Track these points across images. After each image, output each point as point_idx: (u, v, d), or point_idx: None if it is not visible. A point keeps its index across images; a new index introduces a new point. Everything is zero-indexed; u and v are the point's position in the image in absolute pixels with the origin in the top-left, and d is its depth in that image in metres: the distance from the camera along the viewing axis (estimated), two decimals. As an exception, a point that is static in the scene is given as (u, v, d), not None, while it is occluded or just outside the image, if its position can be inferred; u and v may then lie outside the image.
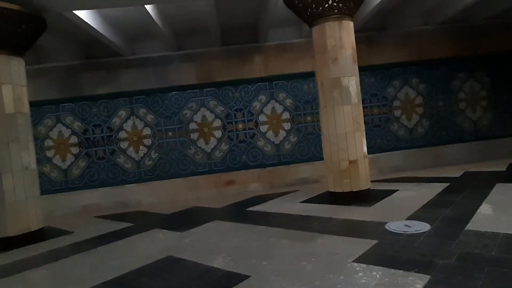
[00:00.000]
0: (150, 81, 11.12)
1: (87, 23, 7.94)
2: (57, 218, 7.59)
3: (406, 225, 4.38)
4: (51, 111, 10.80)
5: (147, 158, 10.71)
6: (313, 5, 5.94)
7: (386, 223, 4.55)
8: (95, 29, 8.34)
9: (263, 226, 5.06)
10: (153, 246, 4.76)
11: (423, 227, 4.27)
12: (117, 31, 9.76)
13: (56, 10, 6.30)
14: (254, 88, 11.63)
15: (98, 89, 10.84)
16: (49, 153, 10.70)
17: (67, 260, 4.57)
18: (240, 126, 11.44)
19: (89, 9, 7.88)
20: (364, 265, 3.27)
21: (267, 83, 11.73)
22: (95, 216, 7.22)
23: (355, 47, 6.19)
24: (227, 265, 3.68)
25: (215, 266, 3.69)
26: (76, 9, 6.99)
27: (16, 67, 5.80)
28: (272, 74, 11.62)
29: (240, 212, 6.28)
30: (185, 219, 6.19)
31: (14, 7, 5.48)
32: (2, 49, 5.57)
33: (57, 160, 10.74)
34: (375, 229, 4.37)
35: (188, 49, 11.41)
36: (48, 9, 6.02)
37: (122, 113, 10.78)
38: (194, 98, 11.11)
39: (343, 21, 6.02)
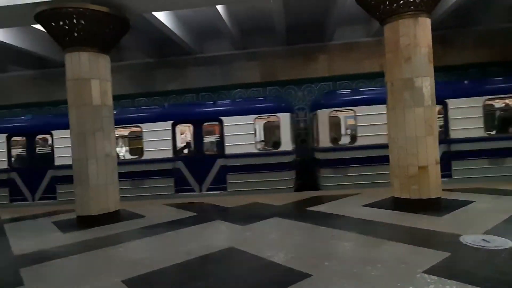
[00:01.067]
0: (216, 78, 11.59)
1: (163, 23, 8.50)
2: (132, 203, 8.26)
3: (484, 240, 4.02)
4: (127, 104, 11.77)
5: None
6: (387, 2, 5.69)
7: (460, 235, 4.22)
8: (169, 28, 8.90)
9: (324, 227, 5.00)
10: (216, 236, 4.97)
11: (504, 243, 3.89)
12: (188, 30, 10.31)
13: (138, 11, 6.84)
14: (317, 87, 11.51)
15: (168, 85, 11.58)
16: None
17: (140, 241, 4.98)
18: (302, 125, 11.40)
19: (167, 10, 8.42)
20: (436, 278, 3.08)
21: (330, 83, 11.53)
22: (163, 204, 7.72)
23: (431, 46, 5.81)
24: (288, 261, 3.72)
25: (275, 261, 3.75)
26: (156, 11, 7.52)
27: (103, 63, 6.43)
28: (336, 74, 11.39)
29: (300, 211, 6.28)
30: (245, 214, 6.36)
31: (104, 9, 6.07)
32: (93, 47, 6.21)
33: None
34: (448, 241, 4.08)
35: (253, 48, 11.65)
36: (131, 11, 6.56)
37: (189, 108, 11.38)
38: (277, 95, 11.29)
39: (419, 18, 5.68)
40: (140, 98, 11.64)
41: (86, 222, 6.13)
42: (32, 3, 5.95)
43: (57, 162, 9.22)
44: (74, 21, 5.91)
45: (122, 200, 6.84)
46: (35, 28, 8.61)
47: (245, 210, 6.67)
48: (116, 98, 11.31)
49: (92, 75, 6.23)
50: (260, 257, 3.91)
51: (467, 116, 8.19)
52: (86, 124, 6.20)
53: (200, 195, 8.89)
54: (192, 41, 10.62)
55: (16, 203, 9.39)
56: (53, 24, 6.01)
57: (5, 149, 9.48)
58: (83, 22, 5.94)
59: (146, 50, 11.01)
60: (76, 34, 6.01)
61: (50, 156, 9.41)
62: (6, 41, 8.89)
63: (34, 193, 9.46)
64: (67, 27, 5.95)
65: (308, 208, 6.34)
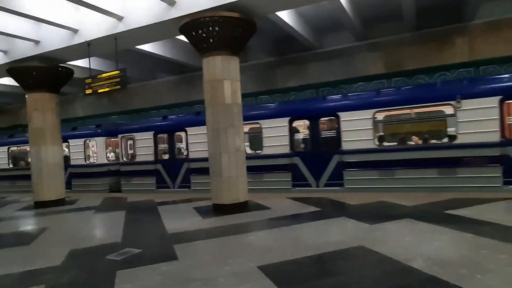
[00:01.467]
0: (336, 72, 11.32)
1: (285, 21, 8.70)
2: (255, 194, 8.81)
3: None
4: (251, 102, 12.51)
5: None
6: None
7: None
8: (291, 26, 9.06)
9: (470, 234, 4.36)
10: (344, 233, 4.86)
11: None
12: (308, 26, 10.32)
13: (264, 12, 7.17)
14: (454, 75, 10.14)
15: (288, 82, 11.85)
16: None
17: (269, 231, 5.25)
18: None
19: (291, 9, 8.61)
20: None
21: (471, 68, 10.01)
22: (285, 197, 7.98)
23: None
24: (429, 268, 3.37)
25: (414, 266, 3.44)
26: (280, 10, 7.76)
27: (233, 65, 6.99)
28: (479, 58, 9.81)
29: (437, 213, 5.63)
30: (372, 212, 6.05)
31: (235, 14, 6.58)
32: (225, 51, 6.81)
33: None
34: None
35: (376, 38, 10.95)
36: (258, 13, 6.93)
37: (310, 103, 11.43)
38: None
39: None
40: (262, 96, 12.25)
41: (220, 210, 6.80)
42: (177, 17, 6.87)
43: (191, 155, 10.46)
44: (210, 28, 6.58)
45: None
46: (177, 39, 9.90)
47: (371, 209, 6.35)
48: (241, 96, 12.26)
49: (224, 76, 6.84)
50: (395, 260, 3.65)
51: (358, 128, 8.32)
52: (219, 121, 6.85)
53: (316, 191, 8.86)
54: (312, 36, 10.62)
55: (161, 189, 11.08)
56: (194, 33, 6.81)
57: (152, 144, 11.26)
58: (217, 28, 6.56)
59: (268, 50, 11.52)
60: (211, 40, 6.68)
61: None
62: (155, 52, 10.50)
63: (174, 181, 10.98)
64: (204, 35, 6.66)
65: (447, 212, 5.63)
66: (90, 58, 8.87)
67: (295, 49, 11.39)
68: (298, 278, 3.37)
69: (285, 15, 8.80)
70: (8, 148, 14.47)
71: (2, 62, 9.53)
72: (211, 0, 6.48)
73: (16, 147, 14.42)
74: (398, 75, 10.70)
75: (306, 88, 11.55)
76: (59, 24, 7.97)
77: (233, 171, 6.88)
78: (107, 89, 8.35)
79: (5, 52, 9.44)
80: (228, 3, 6.39)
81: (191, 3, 6.68)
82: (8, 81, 11.35)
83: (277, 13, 8.29)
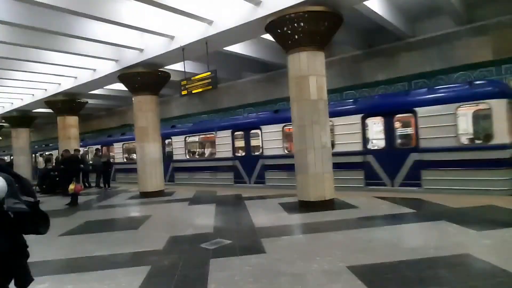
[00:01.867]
0: (432, 62, 10.30)
1: (374, 11, 8.21)
2: (342, 192, 8.55)
3: None
4: (336, 98, 12.15)
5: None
6: None
7: None
8: (380, 15, 8.51)
9: None
10: (445, 239, 4.40)
11: None
12: (400, 13, 9.57)
13: (351, 3, 6.88)
14: None
15: (377, 75, 11.18)
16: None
17: (358, 231, 5.03)
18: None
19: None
20: None
21: None
22: (374, 196, 7.56)
23: None
24: (558, 286, 2.85)
25: (538, 282, 2.95)
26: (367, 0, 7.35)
27: (319, 60, 6.87)
28: None
29: None
30: (478, 217, 5.36)
31: (321, 8, 6.44)
32: (310, 46, 6.72)
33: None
34: None
35: (482, 20, 9.64)
36: (344, 4, 6.67)
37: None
38: (488, 78, 9.29)
39: None
40: (348, 91, 11.79)
41: (306, 206, 6.76)
42: (263, 16, 7.00)
43: (265, 152, 10.92)
44: (295, 24, 6.56)
45: (336, 189, 7.14)
46: (262, 38, 10.11)
47: (477, 213, 5.62)
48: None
49: (310, 72, 6.77)
50: (510, 272, 3.18)
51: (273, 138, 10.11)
52: (305, 117, 6.80)
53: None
54: (404, 25, 9.83)
55: (237, 184, 11.70)
56: (279, 31, 6.87)
57: (230, 142, 11.98)
58: (302, 24, 6.51)
59: (354, 43, 11.02)
60: (297, 37, 6.66)
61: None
62: (241, 52, 10.88)
63: (250, 177, 11.52)
64: (289, 32, 6.67)
65: None
66: (184, 61, 9.62)
67: (384, 40, 10.68)
68: (393, 283, 3.17)
69: (375, 4, 8.29)
70: (123, 145, 16.64)
71: (114, 70, 10.94)
72: (296, -4, 6.46)
73: (128, 144, 16.46)
74: (511, 61, 9.26)
75: (397, 81, 10.74)
76: (158, 33, 8.81)
77: (319, 168, 6.77)
78: (200, 90, 8.98)
79: (116, 61, 10.81)
80: (313, -3, 6.29)
81: (276, 1, 6.74)
82: (118, 86, 12.96)
83: (365, 2, 7.86)
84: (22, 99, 16.52)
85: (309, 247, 4.43)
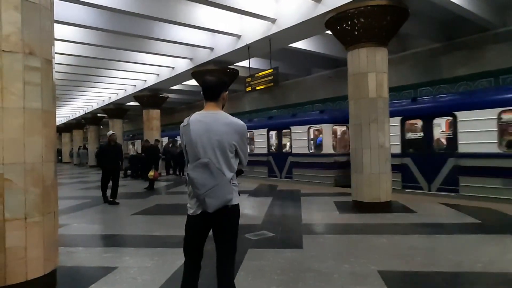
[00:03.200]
0: (527, 55, 8.97)
1: (451, 2, 7.50)
2: (405, 196, 8.07)
3: None
4: (409, 95, 11.38)
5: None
6: None
7: None
8: (459, 6, 7.74)
9: None
10: (502, 254, 3.97)
11: None
12: (485, 3, 8.53)
13: (419, -5, 6.42)
14: None
15: (457, 70, 10.16)
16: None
17: (407, 237, 4.79)
18: None
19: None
20: None
21: None
22: (440, 202, 7.00)
23: None
24: None
25: None
26: (439, -11, 6.77)
27: (380, 56, 6.58)
28: None
29: None
30: (558, 235, 4.66)
31: (383, 2, 6.16)
32: (370, 42, 6.48)
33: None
34: None
35: None
36: (410, -2, 6.26)
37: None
38: None
39: None
40: (423, 88, 10.93)
41: (359, 207, 6.61)
42: (323, 13, 6.96)
43: (293, 151, 11.88)
44: (355, 20, 6.39)
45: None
46: (329, 34, 9.97)
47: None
48: (397, 89, 11.31)
49: (369, 69, 6.53)
50: None
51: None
52: (362, 115, 6.61)
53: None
54: (490, 14, 8.72)
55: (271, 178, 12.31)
56: (338, 27, 6.76)
57: (265, 139, 13.24)
58: (362, 20, 6.31)
59: (430, 36, 10.15)
60: (356, 33, 6.48)
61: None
62: (308, 49, 10.85)
63: (281, 172, 12.51)
64: (348, 28, 6.52)
65: None
66: (250, 59, 9.99)
67: (466, 31, 9.60)
68: (420, 292, 3.04)
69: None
70: None
71: (189, 68, 11.89)
72: (357, -9, 6.29)
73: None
74: None
75: (482, 77, 9.60)
76: (227, 32, 9.33)
77: (375, 168, 6.53)
78: (263, 86, 9.30)
79: (191, 59, 11.73)
80: (375, -9, 6.05)
81: (337, -4, 6.64)
82: (194, 81, 14.01)
83: (441, -8, 7.22)
84: (117, 93, 18.90)
85: (347, 247, 4.39)
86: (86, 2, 7.34)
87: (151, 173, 10.45)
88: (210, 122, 2.22)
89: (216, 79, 2.38)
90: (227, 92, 2.44)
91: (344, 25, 6.58)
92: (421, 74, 10.91)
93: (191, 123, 2.25)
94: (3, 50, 2.97)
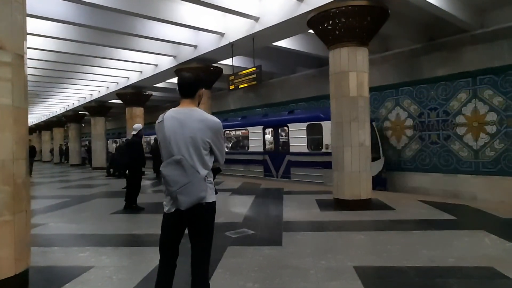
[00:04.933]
0: (502, 56, 9.25)
1: (430, 4, 7.65)
2: (384, 193, 8.22)
3: None
4: (391, 94, 11.59)
5: (488, 148, 9.19)
6: None
7: None
8: (438, 8, 7.90)
9: None
10: (473, 249, 4.09)
11: None
12: (463, 5, 8.73)
13: (399, -4, 6.52)
14: None
15: (437, 71, 10.38)
16: (387, 134, 11.64)
17: (383, 233, 4.89)
18: None
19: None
20: None
21: None
22: (418, 200, 7.16)
23: None
24: None
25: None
26: (418, -9, 6.90)
27: (360, 56, 6.66)
28: None
29: None
30: (528, 230, 4.83)
31: (363, 2, 6.24)
32: (351, 41, 6.55)
33: (393, 141, 11.51)
34: None
35: None
36: (390, -1, 6.36)
37: (462, 95, 9.77)
38: None
39: None
40: (405, 87, 11.12)
41: (340, 205, 6.68)
42: (305, 12, 7.00)
43: (291, 149, 11.69)
44: (336, 20, 6.45)
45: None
46: (312, 32, 10.04)
47: (529, 226, 5.06)
48: (380, 88, 11.48)
49: (350, 68, 6.61)
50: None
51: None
52: (343, 114, 6.69)
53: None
54: (468, 15, 8.93)
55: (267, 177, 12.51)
56: (320, 26, 6.81)
57: (261, 137, 13.09)
58: (343, 19, 6.38)
59: (412, 36, 10.33)
60: (337, 32, 6.54)
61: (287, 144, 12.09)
62: (292, 48, 10.89)
63: (277, 171, 12.30)
64: (330, 27, 6.58)
65: None
66: (234, 57, 9.97)
67: (445, 33, 9.82)
68: (392, 287, 3.10)
69: (431, -4, 7.70)
70: None
71: (172, 65, 11.77)
72: (338, -9, 6.34)
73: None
74: None
75: (460, 77, 9.84)
76: (210, 30, 9.28)
77: (355, 166, 6.62)
78: (245, 85, 9.29)
79: (174, 56, 11.62)
80: (355, -9, 6.12)
81: (319, -4, 6.68)
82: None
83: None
84: (99, 91, 18.55)
85: (326, 244, 4.44)
86: (65, -3, 7.18)
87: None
88: (184, 118, 2.21)
89: (192, 76, 2.37)
90: (203, 89, 2.42)
91: (325, 25, 6.64)
92: (403, 74, 11.11)
93: (165, 120, 2.23)
94: (-29, 44, 2.88)
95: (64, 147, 28.48)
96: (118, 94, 16.24)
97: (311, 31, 8.53)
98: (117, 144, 16.35)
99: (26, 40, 3.43)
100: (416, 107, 10.83)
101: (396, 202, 6.97)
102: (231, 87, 9.67)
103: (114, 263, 3.89)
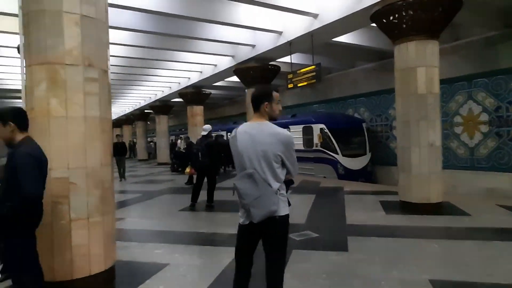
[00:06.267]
0: None
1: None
2: (458, 195, 7.67)
3: None
4: (462, 87, 10.71)
5: None
6: None
7: None
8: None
9: None
10: None
11: None
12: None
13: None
14: None
15: (518, 59, 9.31)
16: (457, 130, 10.79)
17: (460, 243, 4.54)
18: None
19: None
20: None
21: None
22: (497, 204, 6.54)
23: None
24: None
25: None
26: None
27: (430, 50, 6.22)
28: None
29: None
30: None
31: (434, -7, 5.80)
32: (420, 35, 6.14)
33: (464, 137, 10.65)
34: None
35: None
36: (466, -15, 5.84)
37: (549, 86, 8.65)
38: None
39: None
40: (479, 79, 10.17)
41: (407, 208, 6.35)
42: (368, 6, 6.71)
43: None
44: (403, 13, 6.08)
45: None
46: (373, 26, 9.59)
47: None
48: (449, 81, 10.64)
49: (418, 63, 6.22)
50: None
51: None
52: (410, 112, 6.33)
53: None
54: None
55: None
56: (384, 20, 6.49)
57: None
58: (411, 12, 6.00)
59: (485, 24, 9.37)
60: (404, 26, 6.18)
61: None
62: (352, 42, 10.52)
63: None
64: (396, 21, 6.23)
65: None
66: (292, 55, 9.91)
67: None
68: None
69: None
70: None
71: (231, 65, 12.05)
72: (405, -19, 5.97)
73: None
74: None
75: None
76: (268, 29, 9.32)
77: (424, 168, 6.24)
78: (305, 83, 9.20)
79: (232, 56, 11.88)
80: (425, -20, 5.70)
81: (384, -12, 6.36)
82: (236, 77, 14.22)
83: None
84: (162, 91, 19.66)
85: (395, 252, 4.26)
86: (135, 7, 7.68)
87: (187, 169, 10.75)
88: (256, 133, 2.27)
89: (257, 92, 2.42)
90: (268, 103, 2.36)
91: (391, 18, 6.29)
92: (476, 65, 10.15)
93: (238, 134, 2.31)
94: (66, 64, 3.22)
95: (132, 143, 30.72)
96: (180, 93, 17.07)
97: (373, 24, 8.18)
98: (182, 140, 17.05)
99: (109, 56, 3.76)
100: (492, 101, 9.85)
101: (471, 206, 6.44)
102: (290, 85, 9.65)
103: (186, 262, 4.13)
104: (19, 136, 2.54)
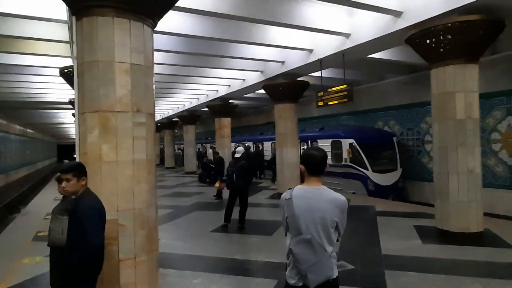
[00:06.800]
0: None
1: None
2: (497, 220, 7.35)
3: None
4: (501, 102, 10.32)
5: None
6: None
7: None
8: None
9: None
10: None
11: None
12: None
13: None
14: None
15: None
16: (495, 147, 10.38)
17: (506, 283, 4.37)
18: None
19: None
20: None
21: None
22: (542, 233, 6.24)
23: None
24: None
25: None
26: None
27: (469, 74, 6.05)
28: None
29: None
30: None
31: (474, 17, 5.64)
32: (458, 58, 5.98)
33: (503, 155, 10.22)
34: None
35: None
36: (507, 9, 5.64)
37: None
38: None
39: None
40: (519, 94, 9.74)
41: (444, 236, 6.17)
42: (403, 28, 6.60)
43: None
44: (441, 37, 5.95)
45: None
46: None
47: None
48: (487, 96, 10.26)
49: (456, 88, 6.06)
50: None
51: None
52: (448, 138, 6.17)
53: None
54: None
55: None
56: (421, 44, 6.36)
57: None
58: (449, 36, 5.86)
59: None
60: (442, 50, 6.04)
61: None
62: (383, 57, 10.36)
63: None
64: (433, 45, 6.10)
65: None
66: (322, 72, 9.86)
67: None
68: None
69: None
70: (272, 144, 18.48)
71: (259, 80, 12.16)
72: (442, 5, 5.82)
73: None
74: None
75: None
76: (298, 48, 9.34)
77: (463, 196, 6.05)
78: (335, 102, 9.14)
79: (261, 72, 11.98)
80: (464, 5, 5.54)
81: (420, 11, 6.21)
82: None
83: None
84: (191, 102, 20.06)
85: (437, 291, 4.16)
86: (168, 32, 7.89)
87: (217, 184, 10.88)
88: (313, 198, 2.30)
89: (321, 155, 2.37)
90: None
91: (428, 42, 6.17)
92: (516, 80, 9.73)
93: (294, 198, 2.33)
94: (117, 111, 3.40)
95: (160, 150, 31.47)
96: (208, 106, 17.36)
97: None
98: (212, 152, 17.42)
99: (154, 100, 3.92)
100: (535, 117, 9.40)
101: (514, 235, 6.18)
102: (320, 103, 9.61)
103: (225, 295, 4.21)
104: (82, 188, 2.72)
